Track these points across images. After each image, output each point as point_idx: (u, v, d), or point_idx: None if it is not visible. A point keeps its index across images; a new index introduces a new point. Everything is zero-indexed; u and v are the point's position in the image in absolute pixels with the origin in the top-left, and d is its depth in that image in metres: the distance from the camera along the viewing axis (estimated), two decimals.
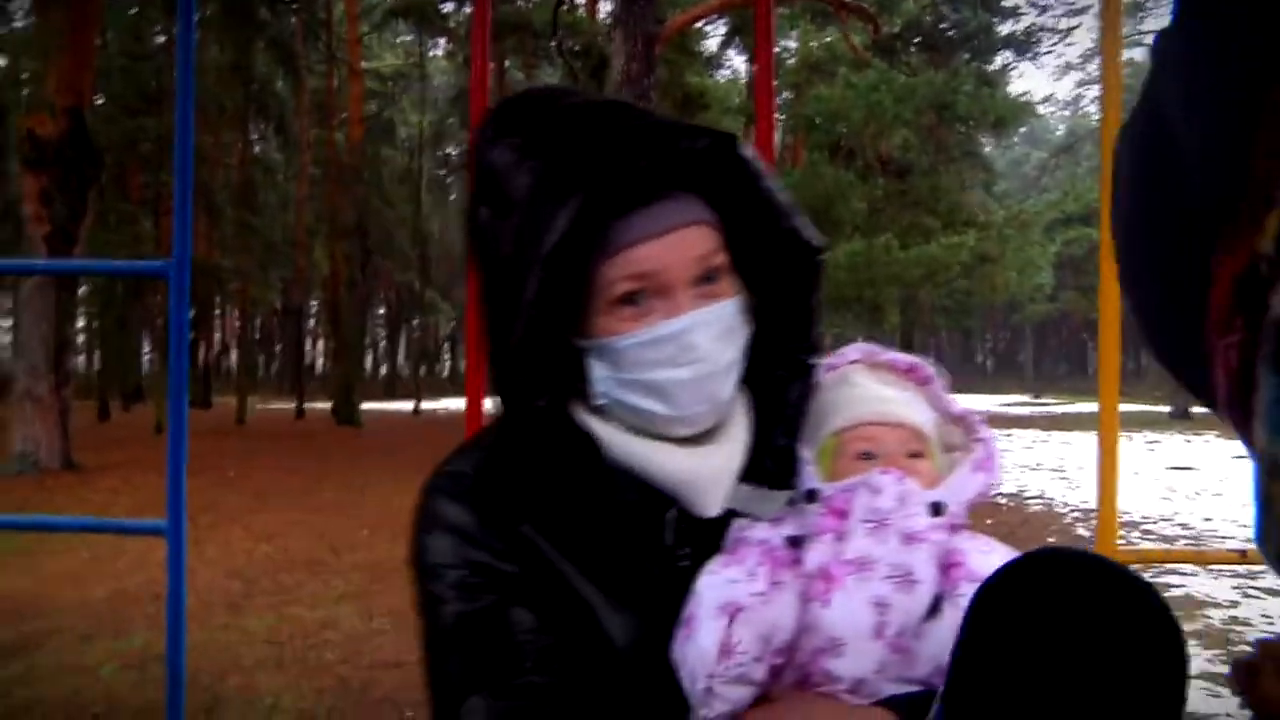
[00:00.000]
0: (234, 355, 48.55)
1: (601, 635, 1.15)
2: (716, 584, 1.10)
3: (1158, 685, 0.83)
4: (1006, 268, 24.75)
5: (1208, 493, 15.58)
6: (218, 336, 45.24)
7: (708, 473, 1.16)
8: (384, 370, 70.88)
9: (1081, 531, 12.81)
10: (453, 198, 57.87)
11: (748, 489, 1.17)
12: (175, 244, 1.66)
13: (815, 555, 1.09)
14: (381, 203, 35.77)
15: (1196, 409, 35.32)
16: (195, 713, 6.11)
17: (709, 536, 1.17)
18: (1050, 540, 12.12)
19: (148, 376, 43.08)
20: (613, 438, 1.18)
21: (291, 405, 36.18)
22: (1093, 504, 15.53)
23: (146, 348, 45.54)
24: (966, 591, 1.02)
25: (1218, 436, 26.13)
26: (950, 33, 24.58)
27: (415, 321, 58.13)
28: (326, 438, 26.02)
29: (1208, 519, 13.36)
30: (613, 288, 1.12)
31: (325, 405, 33.10)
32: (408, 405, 41.43)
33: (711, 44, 31.34)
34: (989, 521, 13.65)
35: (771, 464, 1.19)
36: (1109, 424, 1.75)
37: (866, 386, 1.20)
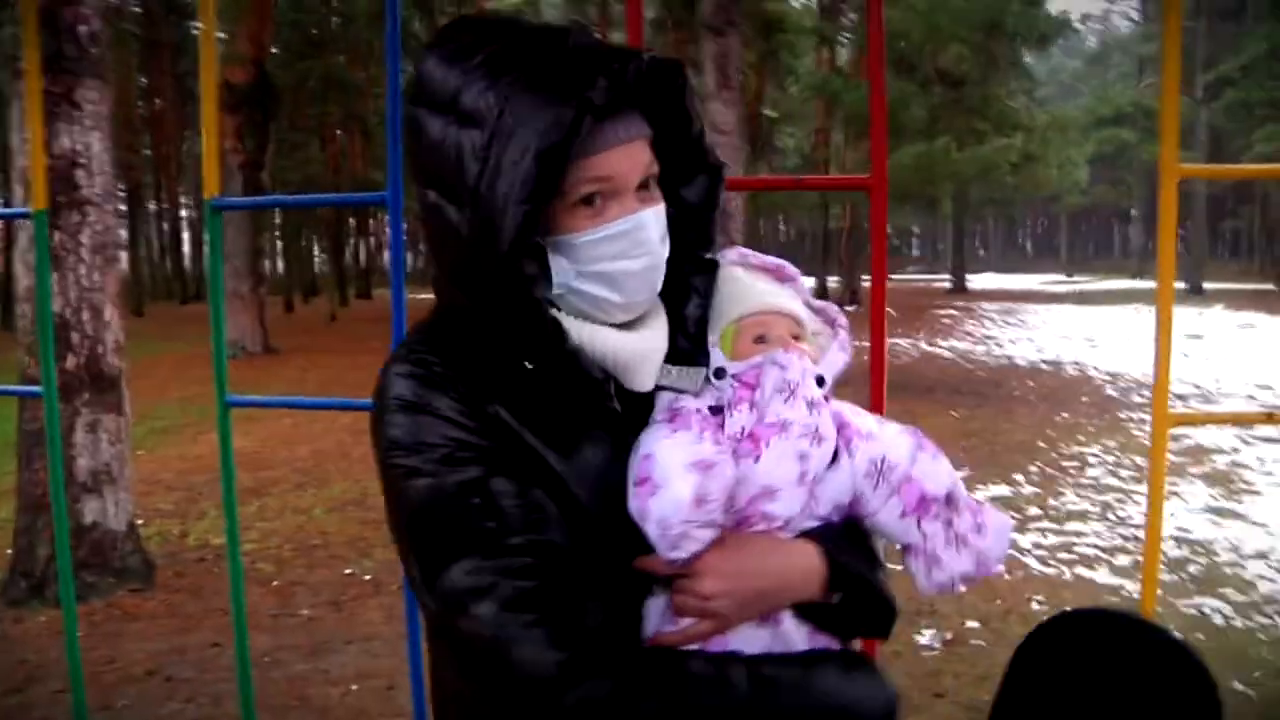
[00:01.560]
0: (386, 254, 49.23)
1: (570, 496, 1.13)
2: (677, 446, 1.09)
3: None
4: (1048, 165, 24.12)
5: (1216, 357, 15.30)
6: (372, 239, 45.87)
7: (643, 353, 1.16)
8: None
9: (1110, 392, 12.72)
10: None
11: (671, 368, 1.18)
12: (389, 177, 1.76)
13: (735, 421, 1.13)
14: None
15: (1208, 285, 34.29)
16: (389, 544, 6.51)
17: (639, 409, 1.17)
18: (1084, 400, 12.07)
19: (320, 275, 44.07)
20: (568, 324, 1.13)
21: None
22: (1119, 368, 15.33)
23: (316, 251, 46.46)
24: (865, 448, 1.13)
25: (1225, 309, 25.44)
26: None
27: None
28: None
29: (1216, 380, 13.17)
30: (575, 190, 1.08)
31: None
32: None
33: None
34: (1030, 383, 13.61)
35: (686, 344, 1.20)
36: (1165, 305, 1.77)
37: (751, 283, 1.23)
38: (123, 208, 37.53)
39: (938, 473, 1.13)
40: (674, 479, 1.06)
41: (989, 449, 9.10)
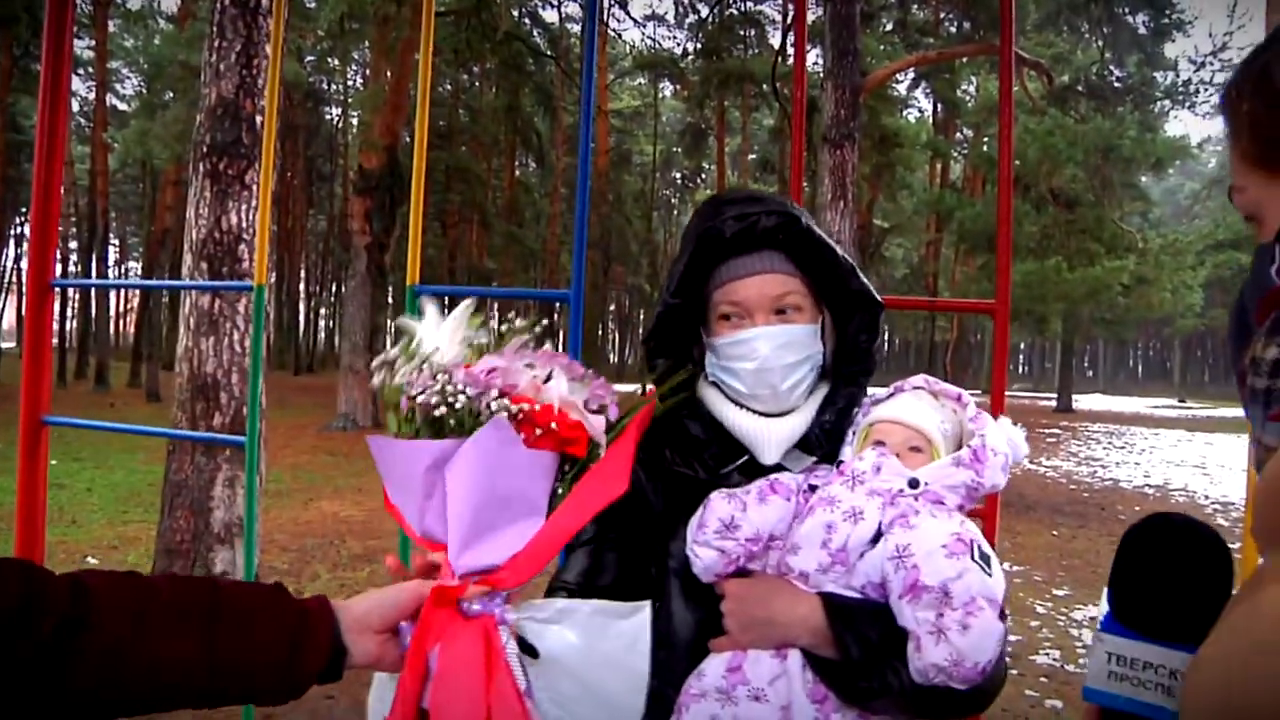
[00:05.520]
0: None
1: (650, 525, 1.51)
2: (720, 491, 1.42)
3: (1217, 580, 1.23)
4: (1161, 289, 23.82)
5: None
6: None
7: (770, 435, 1.46)
8: (613, 357, 72.42)
9: (1221, 522, 12.39)
10: (675, 214, 58.59)
11: (795, 451, 1.47)
12: (574, 277, 1.99)
13: (818, 495, 1.36)
14: (621, 219, 36.63)
15: None
16: None
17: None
18: None
19: None
20: (714, 401, 1.51)
21: None
22: (1230, 498, 14.88)
23: None
24: (897, 535, 1.28)
25: None
26: (1115, 84, 23.60)
27: (641, 317, 58.95)
28: None
29: None
30: (718, 307, 1.49)
31: None
32: (633, 387, 42.40)
33: (900, 88, 30.85)
34: (1136, 508, 13.34)
35: (816, 439, 1.48)
36: None
37: (903, 401, 1.47)
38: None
39: (939, 567, 1.24)
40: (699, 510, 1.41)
41: (1090, 570, 8.98)
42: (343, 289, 31.66)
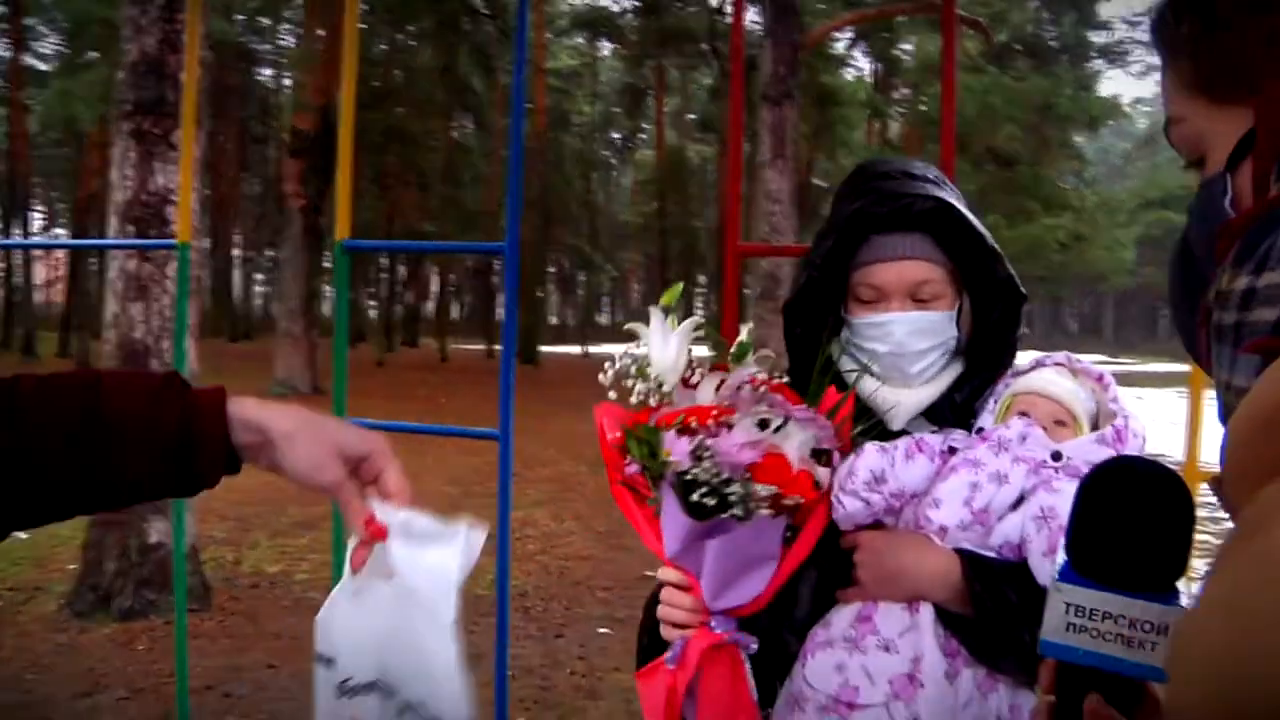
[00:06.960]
0: (432, 304, 49.68)
1: None
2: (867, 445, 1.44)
3: (1180, 527, 1.15)
4: (1097, 246, 24.30)
5: None
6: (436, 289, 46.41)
7: (901, 403, 1.49)
8: (554, 319, 72.13)
9: None
10: (615, 174, 58.29)
11: (920, 418, 1.51)
12: (508, 232, 1.94)
13: (956, 459, 1.40)
14: (560, 180, 36.31)
15: None
16: None
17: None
18: None
19: (369, 322, 44.71)
20: (849, 368, 1.52)
21: (481, 346, 37.16)
22: (1162, 449, 15.30)
23: (366, 297, 47.13)
24: (1041, 498, 1.32)
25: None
26: (1052, 42, 23.86)
27: (582, 278, 58.75)
28: None
29: None
30: (857, 288, 1.51)
31: None
32: (574, 349, 42.26)
33: (839, 46, 30.81)
34: None
35: (946, 411, 1.52)
36: (1197, 380, 1.96)
37: (1045, 374, 1.50)
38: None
39: None
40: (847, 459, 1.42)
41: None
42: (278, 253, 31.11)
